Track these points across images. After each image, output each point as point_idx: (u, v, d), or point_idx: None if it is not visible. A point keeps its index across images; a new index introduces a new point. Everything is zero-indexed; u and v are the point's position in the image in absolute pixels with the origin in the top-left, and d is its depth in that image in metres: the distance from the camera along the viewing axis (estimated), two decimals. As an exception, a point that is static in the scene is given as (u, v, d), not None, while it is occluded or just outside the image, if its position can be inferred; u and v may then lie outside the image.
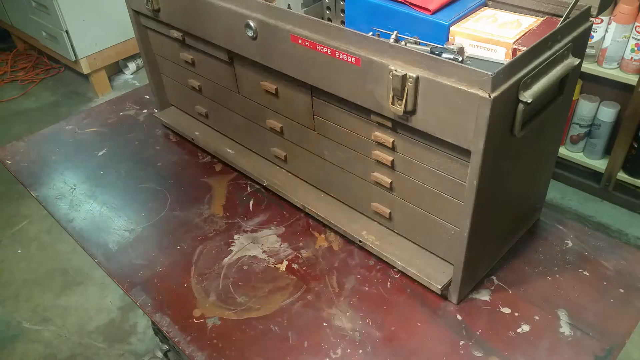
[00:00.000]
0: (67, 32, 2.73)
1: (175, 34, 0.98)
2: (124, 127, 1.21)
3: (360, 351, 0.72)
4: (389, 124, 0.72)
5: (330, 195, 0.92)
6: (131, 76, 3.16)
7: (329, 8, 0.97)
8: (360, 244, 0.85)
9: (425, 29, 0.80)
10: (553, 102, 0.70)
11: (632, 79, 1.86)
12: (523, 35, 0.74)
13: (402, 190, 0.78)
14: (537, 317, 0.75)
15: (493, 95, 0.56)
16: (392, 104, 0.66)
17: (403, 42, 0.78)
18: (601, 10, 0.70)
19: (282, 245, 0.88)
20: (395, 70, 0.63)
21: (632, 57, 1.85)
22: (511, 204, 0.78)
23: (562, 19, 0.67)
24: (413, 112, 0.65)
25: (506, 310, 0.76)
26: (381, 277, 0.82)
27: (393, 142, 0.73)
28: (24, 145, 1.17)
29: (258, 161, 1.02)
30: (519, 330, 0.73)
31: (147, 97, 1.29)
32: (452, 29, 0.78)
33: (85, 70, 2.89)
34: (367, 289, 0.80)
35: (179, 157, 1.11)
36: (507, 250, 0.84)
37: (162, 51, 1.09)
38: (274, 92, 0.87)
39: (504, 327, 0.74)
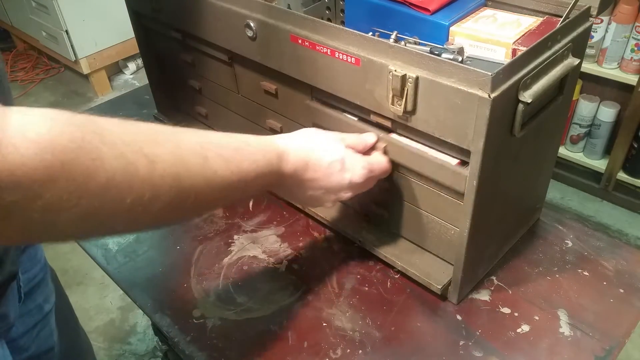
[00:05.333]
0: (67, 32, 2.73)
1: (175, 34, 0.98)
2: (123, 127, 1.20)
3: (360, 351, 0.72)
4: (388, 124, 0.72)
5: (330, 195, 0.92)
6: (131, 76, 3.16)
7: (328, 8, 0.97)
8: (360, 244, 0.85)
9: (425, 29, 0.80)
10: (553, 102, 0.70)
11: (632, 79, 1.86)
12: (523, 35, 0.74)
13: (401, 191, 0.78)
14: (537, 317, 0.75)
15: (493, 95, 0.56)
16: (392, 104, 0.66)
17: (403, 42, 0.78)
18: (601, 10, 0.70)
19: (282, 245, 0.88)
20: (395, 71, 0.63)
21: (632, 57, 1.85)
22: (511, 204, 0.78)
23: (562, 19, 0.67)
24: (413, 112, 0.65)
25: (506, 310, 0.76)
26: (381, 277, 0.82)
27: (393, 142, 0.73)
28: (23, 146, 1.16)
29: (258, 161, 1.01)
30: (518, 330, 0.73)
31: (147, 97, 1.29)
32: (451, 29, 0.78)
33: (85, 70, 2.89)
34: (367, 289, 0.80)
35: (178, 157, 1.11)
36: (507, 250, 0.84)
37: (162, 51, 1.09)
38: (273, 92, 0.87)
39: (504, 327, 0.74)
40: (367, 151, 0.72)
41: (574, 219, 0.90)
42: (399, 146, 0.72)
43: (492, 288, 0.79)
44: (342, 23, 0.95)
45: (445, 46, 0.75)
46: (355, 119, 0.77)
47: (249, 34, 0.81)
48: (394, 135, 0.73)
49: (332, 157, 0.66)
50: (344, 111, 0.78)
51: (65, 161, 0.39)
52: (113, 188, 0.43)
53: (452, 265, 0.76)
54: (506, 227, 0.81)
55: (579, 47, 0.68)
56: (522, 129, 0.63)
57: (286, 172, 0.63)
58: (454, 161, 0.68)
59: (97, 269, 0.89)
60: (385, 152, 0.73)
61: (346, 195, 0.69)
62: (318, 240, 0.89)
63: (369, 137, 0.73)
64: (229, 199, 0.58)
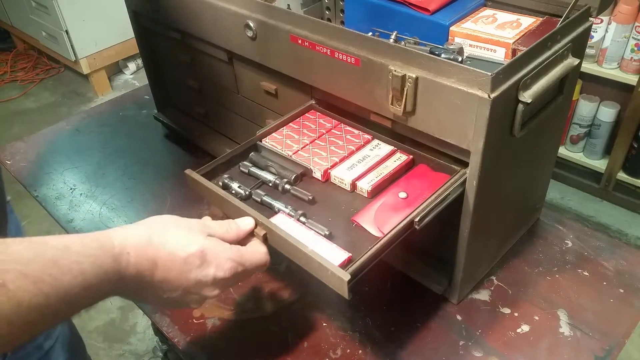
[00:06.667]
0: (67, 32, 2.74)
1: (175, 34, 0.98)
2: (124, 127, 1.21)
3: (360, 351, 0.72)
4: (388, 124, 0.72)
5: (330, 196, 0.92)
6: (131, 76, 3.16)
7: (328, 8, 0.97)
8: (360, 244, 0.85)
9: (425, 29, 0.80)
10: (553, 102, 0.70)
11: (632, 79, 1.86)
12: (523, 35, 0.74)
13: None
14: (536, 317, 0.75)
15: (492, 95, 0.56)
16: (392, 104, 0.66)
17: (403, 42, 0.78)
18: (601, 10, 0.70)
19: (282, 246, 0.88)
20: (395, 71, 0.63)
21: (632, 57, 1.85)
22: (511, 204, 0.78)
23: (562, 19, 0.67)
24: (412, 112, 0.65)
25: (506, 310, 0.76)
26: (381, 277, 0.82)
27: (393, 142, 0.73)
28: (23, 145, 1.17)
29: (258, 161, 1.01)
30: (518, 330, 0.73)
31: (147, 97, 1.29)
32: (451, 29, 0.78)
33: (85, 70, 2.89)
34: (367, 289, 0.80)
35: (179, 157, 1.11)
36: (507, 250, 0.84)
37: (162, 51, 1.09)
38: (273, 92, 0.87)
39: (503, 327, 0.74)
40: (245, 238, 0.63)
41: (574, 219, 0.90)
42: (278, 235, 0.61)
43: (492, 288, 0.79)
44: (342, 23, 0.95)
45: (445, 46, 0.75)
46: (241, 193, 0.68)
47: (248, 34, 0.81)
48: (274, 219, 0.64)
49: (187, 250, 0.55)
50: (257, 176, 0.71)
51: None
52: None
53: (452, 265, 0.76)
54: (506, 227, 0.81)
55: (578, 47, 0.68)
56: (522, 129, 0.63)
57: (127, 275, 0.52)
58: (338, 259, 0.59)
59: (97, 269, 0.89)
60: (265, 240, 0.63)
61: (213, 293, 0.58)
62: (318, 240, 0.89)
63: (244, 222, 0.63)
64: (46, 326, 0.46)
